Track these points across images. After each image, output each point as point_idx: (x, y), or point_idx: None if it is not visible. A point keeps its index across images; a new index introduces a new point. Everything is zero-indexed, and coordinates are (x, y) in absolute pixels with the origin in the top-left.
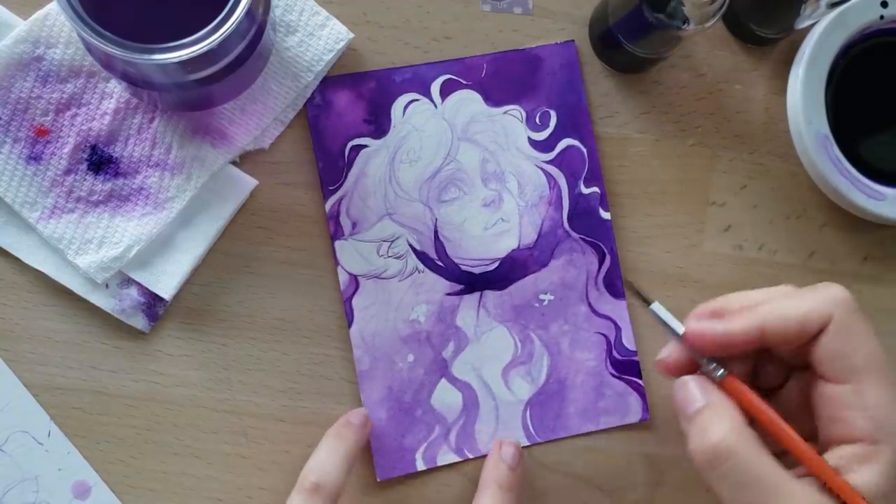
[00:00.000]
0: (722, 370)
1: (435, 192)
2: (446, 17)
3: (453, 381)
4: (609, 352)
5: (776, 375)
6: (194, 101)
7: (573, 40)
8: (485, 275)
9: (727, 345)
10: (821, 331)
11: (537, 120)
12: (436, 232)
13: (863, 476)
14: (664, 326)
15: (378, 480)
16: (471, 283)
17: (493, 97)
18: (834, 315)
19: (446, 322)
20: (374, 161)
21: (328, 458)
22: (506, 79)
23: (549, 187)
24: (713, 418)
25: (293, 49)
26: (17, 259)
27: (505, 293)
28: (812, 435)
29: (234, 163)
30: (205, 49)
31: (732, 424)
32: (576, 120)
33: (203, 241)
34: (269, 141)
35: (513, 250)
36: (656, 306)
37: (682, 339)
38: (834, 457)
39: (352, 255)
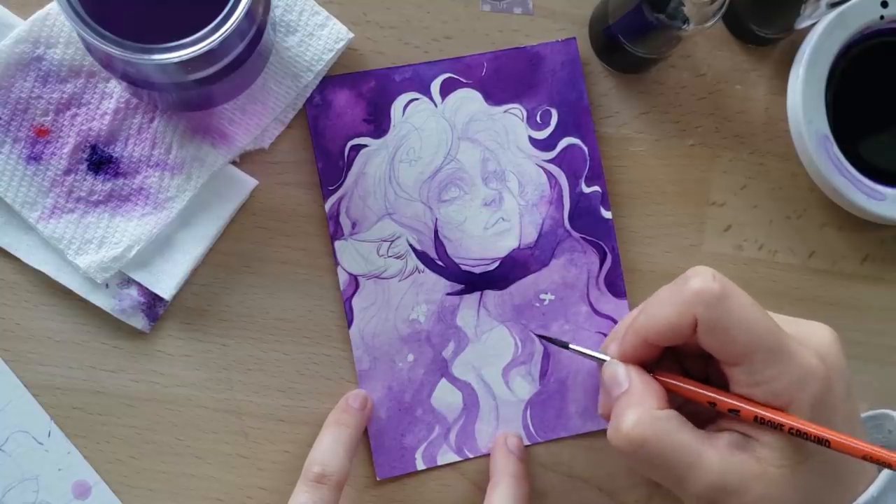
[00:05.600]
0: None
1: (435, 192)
2: (446, 17)
3: (453, 380)
4: None
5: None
6: (194, 101)
7: (574, 38)
8: (485, 274)
9: (637, 357)
10: (696, 327)
11: (538, 118)
12: (436, 231)
13: (770, 438)
14: (590, 358)
15: (378, 480)
16: (471, 282)
17: (494, 96)
18: (697, 314)
19: (446, 322)
20: (373, 161)
21: (331, 446)
22: (506, 77)
23: (550, 186)
24: (626, 407)
25: (293, 49)
26: (17, 259)
27: (505, 293)
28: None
29: (234, 163)
30: (205, 49)
31: (642, 412)
32: (577, 118)
33: (203, 241)
34: (269, 141)
35: (513, 250)
36: (574, 346)
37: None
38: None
39: (352, 255)
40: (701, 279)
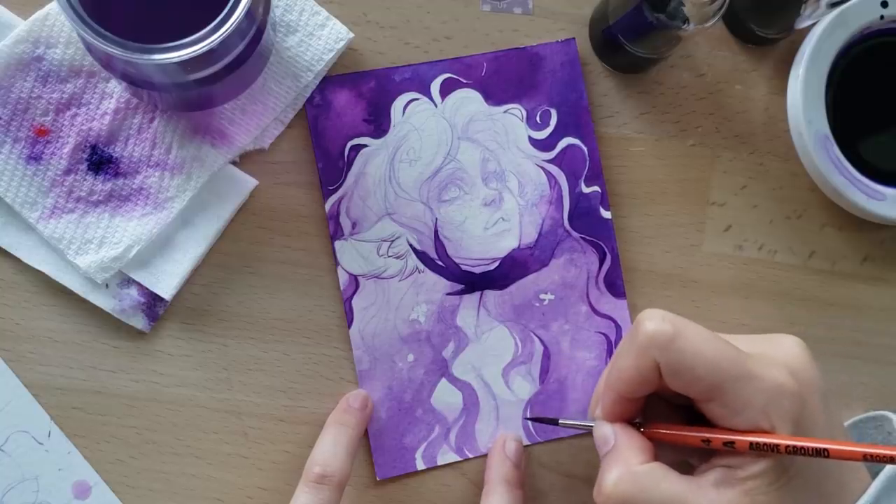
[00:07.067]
0: (641, 427)
1: (435, 192)
2: (446, 17)
3: (453, 380)
4: (610, 351)
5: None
6: (194, 101)
7: (574, 38)
8: (485, 274)
9: (620, 413)
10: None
11: (538, 119)
12: (436, 231)
13: (755, 467)
14: (581, 429)
15: (378, 480)
16: (471, 282)
17: (494, 96)
18: (656, 358)
19: (446, 322)
20: (373, 161)
21: (331, 447)
22: (506, 77)
23: (550, 186)
24: (607, 467)
25: (293, 49)
26: (17, 259)
27: (505, 293)
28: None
29: (234, 163)
30: (205, 49)
31: (623, 470)
32: (577, 119)
33: (203, 241)
34: (269, 141)
35: (513, 250)
36: (563, 420)
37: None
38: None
39: (352, 255)
40: (652, 323)
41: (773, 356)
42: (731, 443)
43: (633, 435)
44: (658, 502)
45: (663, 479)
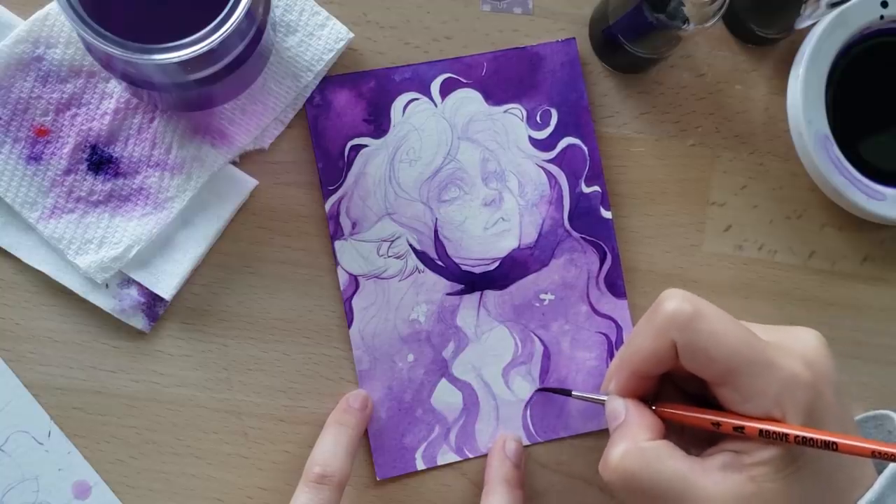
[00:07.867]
0: (653, 406)
1: (435, 192)
2: (446, 17)
3: (453, 380)
4: (610, 351)
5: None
6: (194, 101)
7: (574, 38)
8: (485, 274)
9: (633, 390)
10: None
11: (538, 118)
12: (436, 231)
13: (763, 454)
14: (593, 402)
15: (378, 480)
16: (471, 282)
17: (494, 96)
18: (674, 338)
19: (446, 322)
20: (373, 161)
21: (331, 447)
22: (506, 77)
23: (550, 186)
24: (615, 441)
25: (293, 49)
26: (17, 259)
27: (505, 293)
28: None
29: (234, 163)
30: (205, 49)
31: (630, 444)
32: (577, 118)
33: (203, 241)
34: (269, 141)
35: (513, 250)
36: (576, 393)
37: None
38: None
39: (352, 255)
40: (673, 302)
41: (791, 346)
42: (741, 428)
43: (644, 412)
44: (662, 479)
45: (669, 457)
